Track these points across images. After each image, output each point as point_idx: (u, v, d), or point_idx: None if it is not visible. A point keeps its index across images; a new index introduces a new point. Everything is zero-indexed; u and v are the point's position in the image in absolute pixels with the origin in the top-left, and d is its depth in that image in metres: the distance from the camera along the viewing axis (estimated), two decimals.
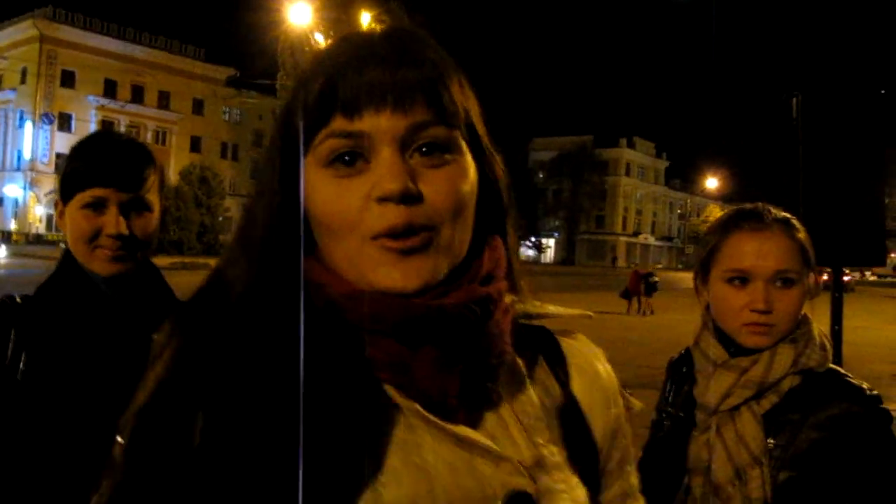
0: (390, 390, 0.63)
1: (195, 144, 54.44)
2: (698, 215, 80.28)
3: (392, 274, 0.62)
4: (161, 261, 1.57)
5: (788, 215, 1.38)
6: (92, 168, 1.37)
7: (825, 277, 3.37)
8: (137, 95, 51.72)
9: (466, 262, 0.67)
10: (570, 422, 0.74)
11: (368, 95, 0.63)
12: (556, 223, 73.31)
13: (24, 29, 47.52)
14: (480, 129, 0.70)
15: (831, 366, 1.35)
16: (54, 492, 1.22)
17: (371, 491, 0.60)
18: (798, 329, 1.33)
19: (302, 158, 0.65)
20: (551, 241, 73.55)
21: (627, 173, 76.28)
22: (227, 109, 56.47)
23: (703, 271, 1.42)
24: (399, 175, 0.62)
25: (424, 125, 0.64)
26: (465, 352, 0.64)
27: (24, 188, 46.92)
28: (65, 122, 47.48)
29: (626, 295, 19.98)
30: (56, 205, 1.44)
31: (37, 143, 46.93)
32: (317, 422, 0.58)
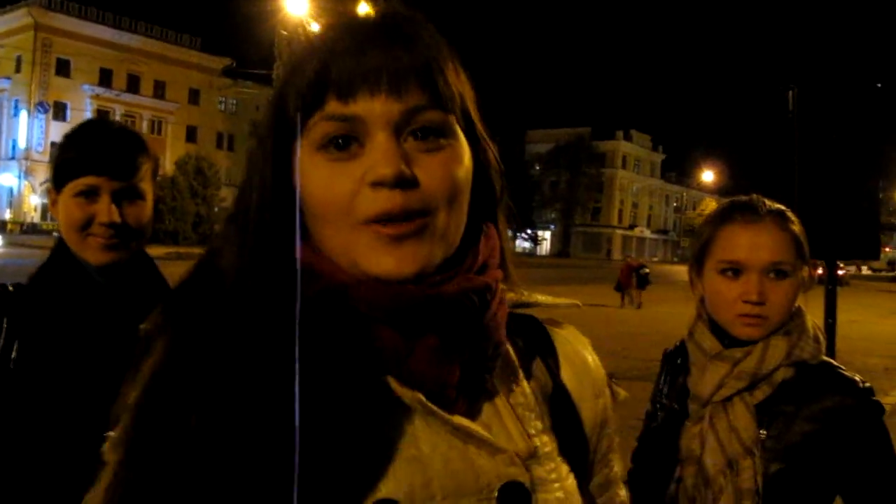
0: (389, 380, 0.62)
1: (191, 134, 54.11)
2: (694, 209, 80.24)
3: (386, 260, 0.61)
4: (156, 251, 1.56)
5: (783, 207, 1.38)
6: (84, 156, 1.36)
7: (820, 271, 3.38)
8: (133, 85, 51.35)
9: (461, 249, 0.66)
10: (560, 411, 0.73)
11: (363, 78, 0.62)
12: (553, 215, 73.23)
13: (18, 17, 47.15)
14: (475, 114, 0.70)
15: (824, 358, 1.35)
16: (46, 480, 1.21)
17: (367, 482, 0.59)
18: (792, 321, 1.34)
19: (299, 140, 0.64)
20: (547, 234, 73.51)
21: (624, 166, 76.18)
22: (224, 99, 56.16)
23: (697, 263, 1.42)
24: (393, 159, 0.61)
25: (419, 109, 0.63)
26: (464, 342, 0.63)
27: (19, 177, 46.68)
28: (60, 111, 47.06)
29: (620, 288, 19.82)
30: (49, 193, 1.43)
31: (32, 132, 46.63)
32: (313, 412, 0.57)
